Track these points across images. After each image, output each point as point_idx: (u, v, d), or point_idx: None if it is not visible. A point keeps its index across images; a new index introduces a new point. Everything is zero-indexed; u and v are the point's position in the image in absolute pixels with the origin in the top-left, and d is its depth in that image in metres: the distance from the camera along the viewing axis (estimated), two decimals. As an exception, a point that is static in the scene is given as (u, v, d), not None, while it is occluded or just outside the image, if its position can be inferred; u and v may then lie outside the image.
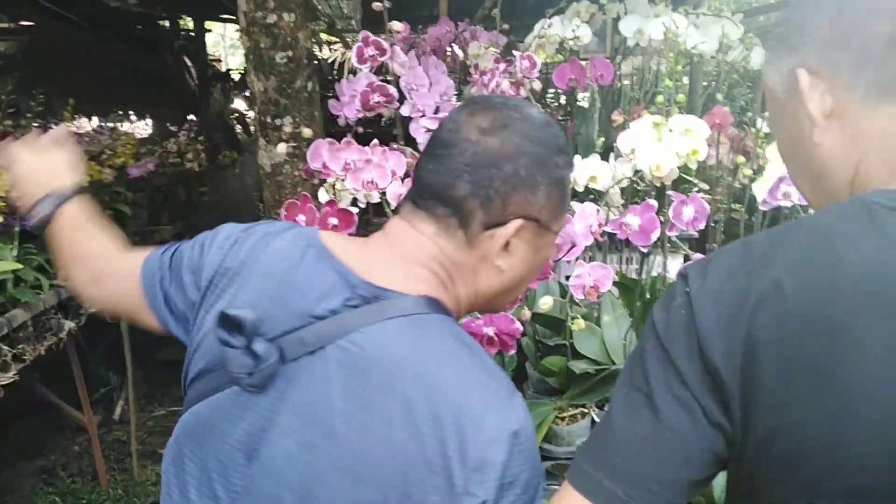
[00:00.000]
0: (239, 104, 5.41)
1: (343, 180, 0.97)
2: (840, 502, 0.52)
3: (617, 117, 1.63)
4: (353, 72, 1.60)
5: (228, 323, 0.67)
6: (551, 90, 2.27)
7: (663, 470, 0.57)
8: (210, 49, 5.89)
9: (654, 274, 1.55)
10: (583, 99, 2.15)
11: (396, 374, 0.65)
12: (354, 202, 1.14)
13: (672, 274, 1.61)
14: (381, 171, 0.98)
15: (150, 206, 2.99)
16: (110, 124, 4.15)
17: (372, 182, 0.97)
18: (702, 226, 1.15)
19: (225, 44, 10.16)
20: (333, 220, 0.96)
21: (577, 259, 1.11)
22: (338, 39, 4.76)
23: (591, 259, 1.58)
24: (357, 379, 0.66)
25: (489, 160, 0.71)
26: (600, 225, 1.15)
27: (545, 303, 1.12)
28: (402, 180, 1.03)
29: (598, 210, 1.15)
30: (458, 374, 0.66)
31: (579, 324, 1.16)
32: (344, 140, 1.01)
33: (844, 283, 0.51)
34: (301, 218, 0.97)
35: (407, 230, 0.74)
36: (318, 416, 0.66)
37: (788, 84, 0.63)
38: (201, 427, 0.72)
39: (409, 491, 0.63)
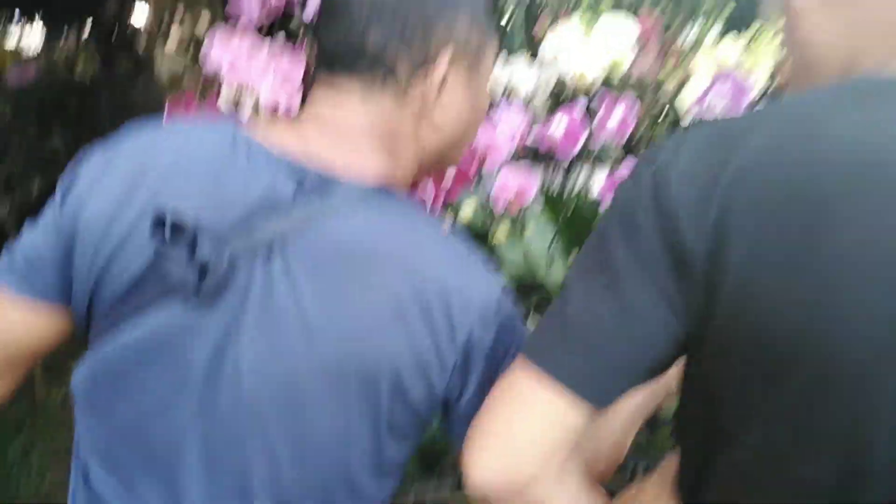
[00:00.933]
0: (141, 7, 4.95)
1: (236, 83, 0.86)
2: (801, 395, 0.50)
3: (543, 22, 1.55)
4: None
5: (164, 229, 0.57)
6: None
7: (623, 355, 0.54)
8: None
9: (577, 190, 1.53)
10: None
11: (373, 263, 0.60)
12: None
13: (595, 190, 1.59)
14: (262, 71, 0.87)
15: (40, 119, 2.71)
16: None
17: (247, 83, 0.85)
18: (628, 132, 1.12)
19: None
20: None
21: (498, 170, 1.05)
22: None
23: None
24: (327, 275, 0.60)
25: None
26: (523, 136, 1.09)
27: (467, 208, 1.06)
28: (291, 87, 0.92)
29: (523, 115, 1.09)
30: (434, 252, 0.63)
31: (501, 232, 1.12)
32: (238, 31, 0.89)
33: (826, 159, 0.48)
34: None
35: (332, 98, 0.66)
36: (290, 320, 0.59)
37: None
38: (139, 356, 0.62)
39: (401, 381, 0.60)
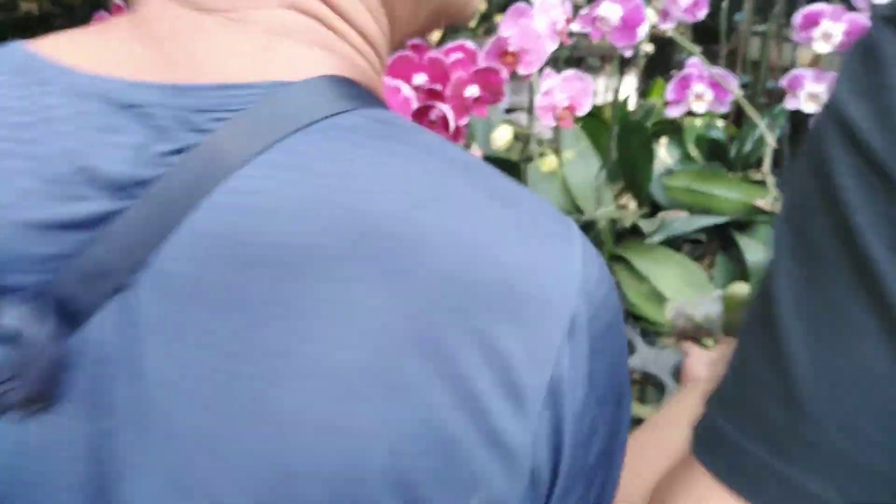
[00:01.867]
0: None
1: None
2: None
3: None
4: None
5: None
6: None
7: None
8: None
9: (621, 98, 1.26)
10: None
11: (330, 265, 0.29)
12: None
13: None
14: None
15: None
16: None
17: None
18: (702, 13, 0.86)
19: None
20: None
21: (540, 71, 0.78)
22: None
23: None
24: (242, 309, 0.29)
25: None
26: (567, 20, 0.81)
27: (502, 136, 0.78)
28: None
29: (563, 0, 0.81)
30: (455, 222, 0.30)
31: (549, 162, 0.85)
32: None
33: None
34: None
35: None
36: (186, 417, 0.30)
37: None
38: None
39: (420, 497, 0.29)
